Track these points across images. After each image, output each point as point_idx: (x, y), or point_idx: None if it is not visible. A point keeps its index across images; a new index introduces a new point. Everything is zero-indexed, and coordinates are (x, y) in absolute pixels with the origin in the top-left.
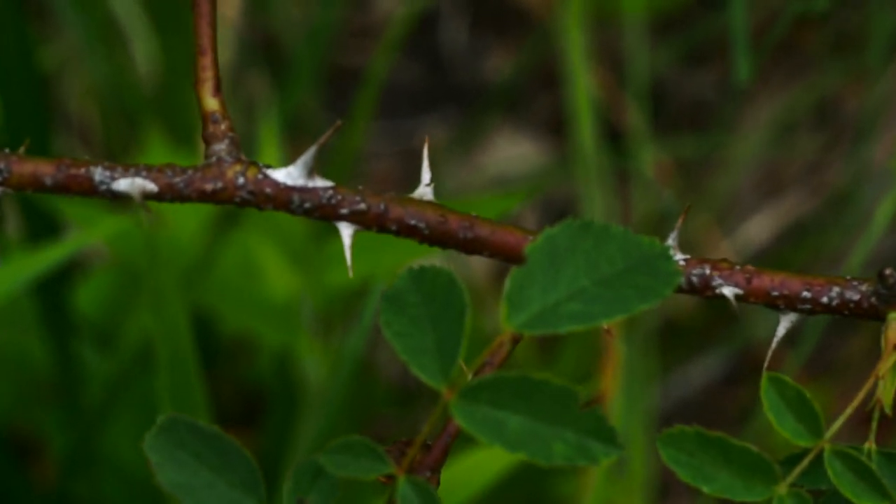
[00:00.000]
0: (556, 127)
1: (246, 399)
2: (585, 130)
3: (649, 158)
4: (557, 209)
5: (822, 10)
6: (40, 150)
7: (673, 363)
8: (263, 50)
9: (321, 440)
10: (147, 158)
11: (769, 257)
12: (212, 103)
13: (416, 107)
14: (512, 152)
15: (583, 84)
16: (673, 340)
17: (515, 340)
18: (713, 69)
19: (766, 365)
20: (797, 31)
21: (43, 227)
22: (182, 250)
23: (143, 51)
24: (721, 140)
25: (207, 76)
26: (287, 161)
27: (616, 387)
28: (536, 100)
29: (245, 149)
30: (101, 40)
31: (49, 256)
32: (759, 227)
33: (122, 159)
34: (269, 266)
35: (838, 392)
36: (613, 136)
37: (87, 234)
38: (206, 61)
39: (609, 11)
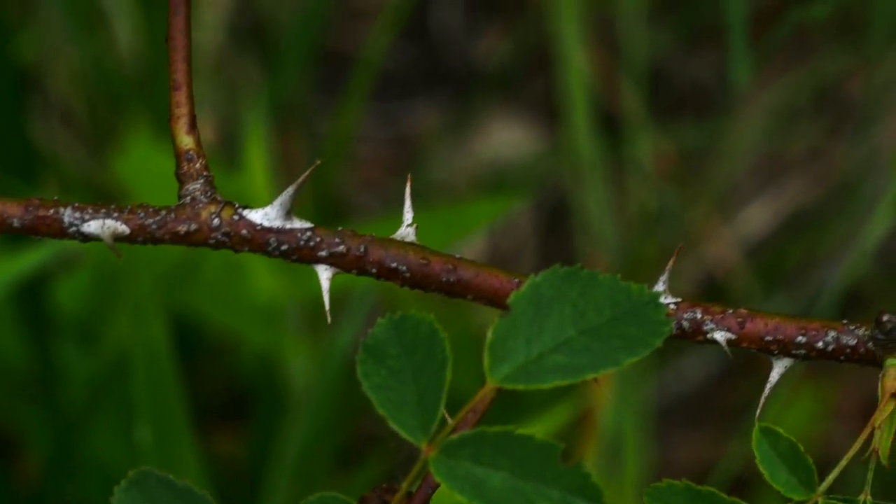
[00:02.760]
0: (550, 111)
1: (232, 394)
2: (580, 117)
3: (646, 146)
4: (552, 198)
5: (822, 17)
6: (17, 138)
7: (669, 358)
8: (254, 32)
9: (308, 442)
10: (131, 145)
11: (770, 246)
12: (186, 141)
13: (409, 90)
14: (506, 138)
15: (577, 68)
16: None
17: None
18: (713, 51)
19: (758, 413)
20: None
21: None
22: (165, 251)
23: (127, 30)
24: (720, 126)
25: (182, 112)
26: (274, 155)
27: (609, 384)
28: (531, 84)
29: (232, 137)
30: (84, 22)
31: (30, 258)
32: (759, 216)
33: (106, 144)
34: (255, 267)
35: (839, 390)
36: (609, 122)
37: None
38: (181, 97)
39: None
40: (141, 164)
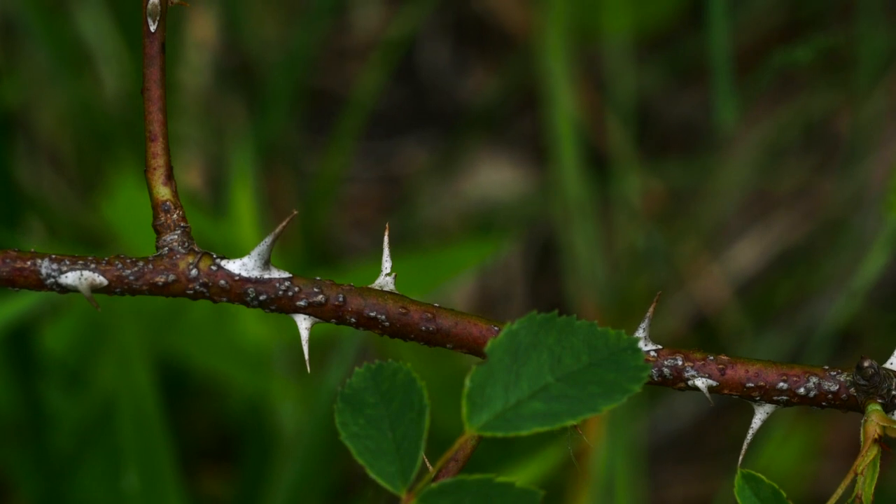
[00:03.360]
0: (538, 149)
1: (220, 435)
2: (567, 156)
3: (634, 184)
4: (541, 237)
5: (805, 60)
6: (3, 181)
7: (660, 396)
8: (240, 73)
9: (298, 484)
10: (118, 187)
11: (759, 284)
12: (163, 192)
13: (397, 129)
14: (494, 176)
15: (565, 107)
16: None
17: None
18: (701, 90)
19: (740, 460)
20: (786, 50)
21: None
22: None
23: (113, 73)
24: (708, 164)
25: (158, 164)
26: (262, 196)
27: (601, 424)
28: (519, 122)
29: (220, 178)
30: (71, 64)
31: (18, 304)
32: (748, 253)
33: (94, 186)
34: (242, 310)
35: (829, 429)
36: (598, 160)
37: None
38: (157, 148)
39: (592, 31)
40: (127, 206)
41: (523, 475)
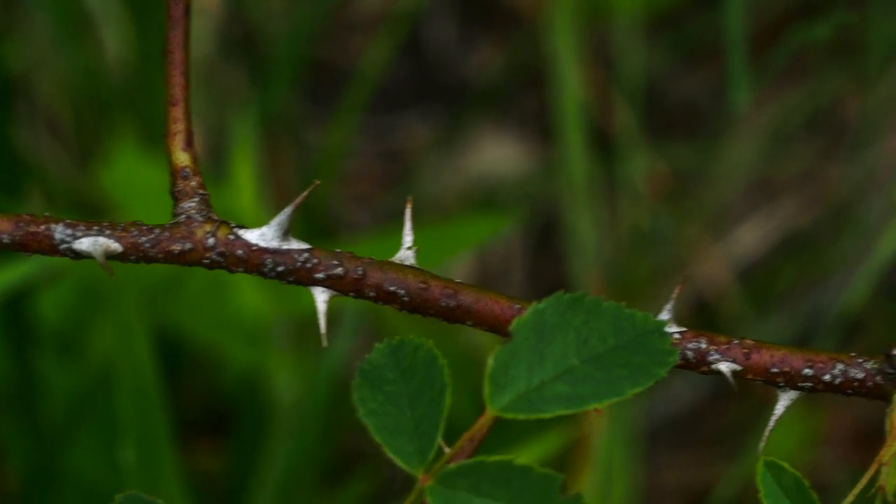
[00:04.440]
0: (543, 128)
1: (217, 409)
2: (573, 135)
3: (639, 165)
4: (543, 217)
5: (823, 38)
6: (2, 148)
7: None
8: (244, 43)
9: (293, 460)
10: (118, 156)
11: (763, 268)
12: (182, 158)
13: (401, 104)
14: (497, 154)
15: (571, 86)
16: None
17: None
18: (708, 71)
19: (761, 447)
20: (803, 28)
21: None
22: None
23: (116, 38)
24: (714, 147)
25: (179, 129)
26: (263, 169)
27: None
28: (523, 100)
29: (221, 149)
30: (73, 30)
31: (14, 272)
32: (752, 237)
33: (93, 154)
34: (240, 282)
35: (830, 416)
36: (603, 140)
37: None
38: (178, 113)
39: (601, 10)
40: (127, 175)
41: (523, 458)
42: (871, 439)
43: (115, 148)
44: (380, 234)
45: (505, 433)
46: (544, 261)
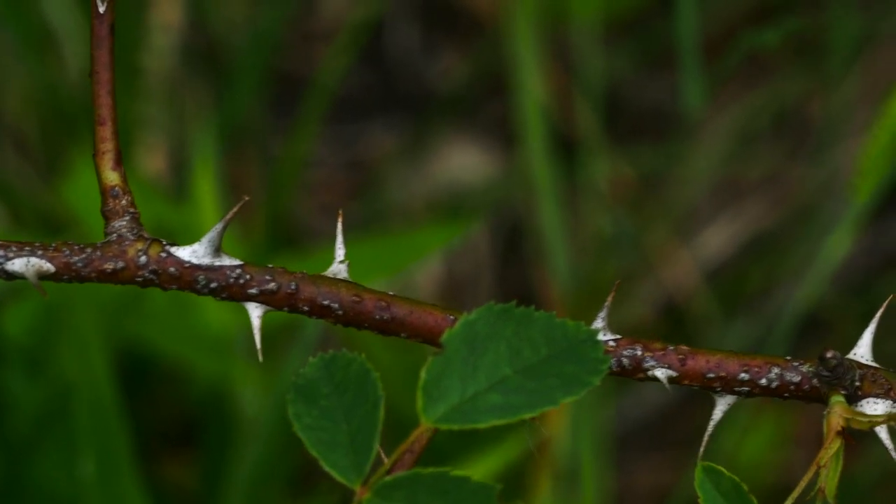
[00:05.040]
0: (507, 134)
1: (184, 421)
2: (536, 141)
3: (603, 169)
4: (510, 222)
5: (773, 43)
6: None
7: (628, 382)
8: (206, 56)
9: (259, 470)
10: (81, 171)
11: (729, 270)
12: (112, 177)
13: (364, 113)
14: (462, 161)
15: (533, 92)
16: None
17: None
18: (671, 75)
19: (701, 453)
20: (754, 33)
21: None
22: None
23: (78, 54)
24: (678, 150)
25: (108, 148)
26: (225, 181)
27: (565, 412)
28: (487, 106)
29: (185, 162)
30: (36, 46)
31: None
32: (718, 239)
33: (59, 168)
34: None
35: (799, 417)
36: (567, 145)
37: None
38: (106, 132)
39: (562, 14)
40: (89, 189)
41: (484, 465)
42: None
43: (77, 163)
44: (346, 242)
45: (464, 440)
46: (513, 266)
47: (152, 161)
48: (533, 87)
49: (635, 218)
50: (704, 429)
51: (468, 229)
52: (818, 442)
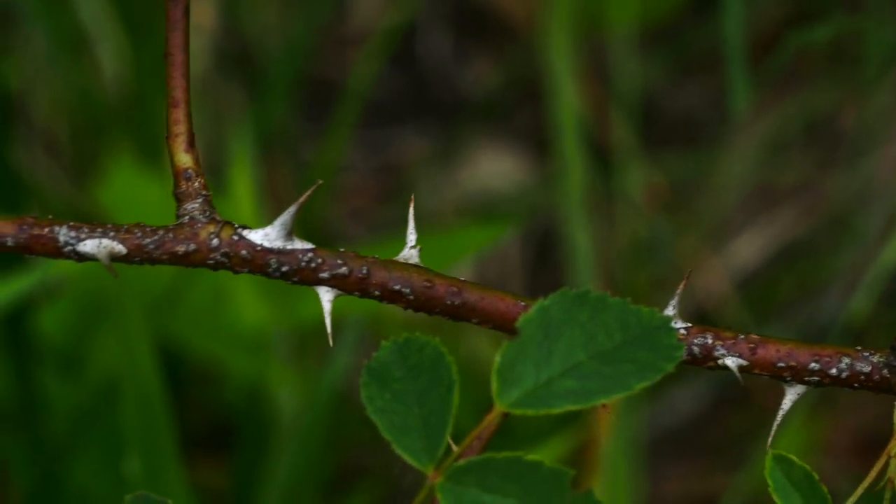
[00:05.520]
0: (540, 141)
1: (218, 423)
2: (570, 148)
3: (637, 177)
4: (541, 229)
5: (823, 41)
6: (2, 165)
7: (659, 389)
8: (240, 59)
9: (295, 474)
10: (114, 173)
11: (761, 278)
12: (185, 159)
13: (396, 119)
14: (494, 168)
15: (568, 99)
16: None
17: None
18: (705, 82)
19: (770, 442)
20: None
21: (7, 256)
22: (151, 277)
23: (112, 57)
24: (712, 158)
25: (180, 130)
26: (260, 183)
27: (611, 413)
28: (520, 113)
29: (217, 164)
30: (69, 49)
31: (13, 286)
32: (750, 248)
33: (90, 172)
34: (241, 294)
35: (832, 424)
36: (600, 153)
37: (52, 265)
38: (179, 114)
39: (597, 21)
40: (124, 192)
41: (549, 451)
42: (873, 448)
43: (112, 165)
44: (377, 244)
45: (509, 439)
46: (543, 274)
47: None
48: (567, 94)
49: (668, 226)
50: (736, 437)
51: (503, 234)
52: (850, 450)
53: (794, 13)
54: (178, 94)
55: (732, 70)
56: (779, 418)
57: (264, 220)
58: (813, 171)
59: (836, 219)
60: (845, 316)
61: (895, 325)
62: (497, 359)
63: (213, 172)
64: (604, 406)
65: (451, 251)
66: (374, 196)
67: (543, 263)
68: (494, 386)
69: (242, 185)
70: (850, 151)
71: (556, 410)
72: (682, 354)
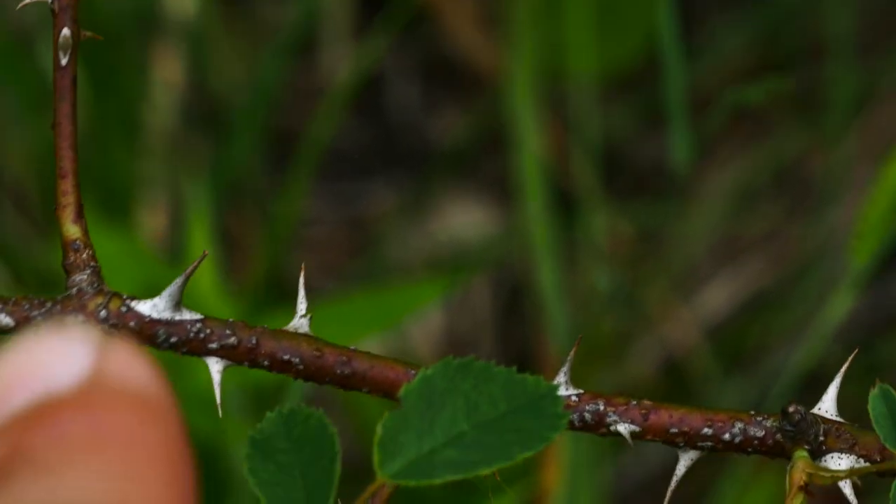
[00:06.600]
0: (508, 191)
1: None
2: (534, 198)
3: (602, 226)
4: (511, 278)
5: (758, 100)
6: None
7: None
8: (207, 113)
9: None
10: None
11: (730, 328)
12: (73, 230)
13: (363, 170)
14: (463, 218)
15: (532, 148)
16: None
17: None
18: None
19: None
20: (738, 90)
21: None
22: None
23: (78, 113)
24: (678, 206)
25: (69, 201)
26: (223, 235)
27: (561, 468)
28: (488, 163)
29: (180, 218)
30: (36, 104)
31: None
32: (718, 297)
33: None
34: None
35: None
36: (566, 201)
37: None
38: (68, 185)
39: (560, 71)
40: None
41: None
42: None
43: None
44: (343, 298)
45: (462, 490)
46: (514, 324)
47: (153, 219)
48: (531, 143)
49: (635, 275)
50: (708, 488)
51: (465, 283)
52: (820, 496)
53: (758, 63)
54: (66, 164)
55: (674, 125)
56: (673, 484)
57: (223, 277)
58: (780, 219)
59: (803, 268)
60: (803, 364)
61: (866, 372)
62: (378, 430)
63: (182, 228)
64: (495, 475)
65: (414, 301)
66: (345, 249)
67: (514, 312)
68: (376, 457)
69: (199, 243)
70: (816, 200)
71: (438, 481)
72: (568, 422)
